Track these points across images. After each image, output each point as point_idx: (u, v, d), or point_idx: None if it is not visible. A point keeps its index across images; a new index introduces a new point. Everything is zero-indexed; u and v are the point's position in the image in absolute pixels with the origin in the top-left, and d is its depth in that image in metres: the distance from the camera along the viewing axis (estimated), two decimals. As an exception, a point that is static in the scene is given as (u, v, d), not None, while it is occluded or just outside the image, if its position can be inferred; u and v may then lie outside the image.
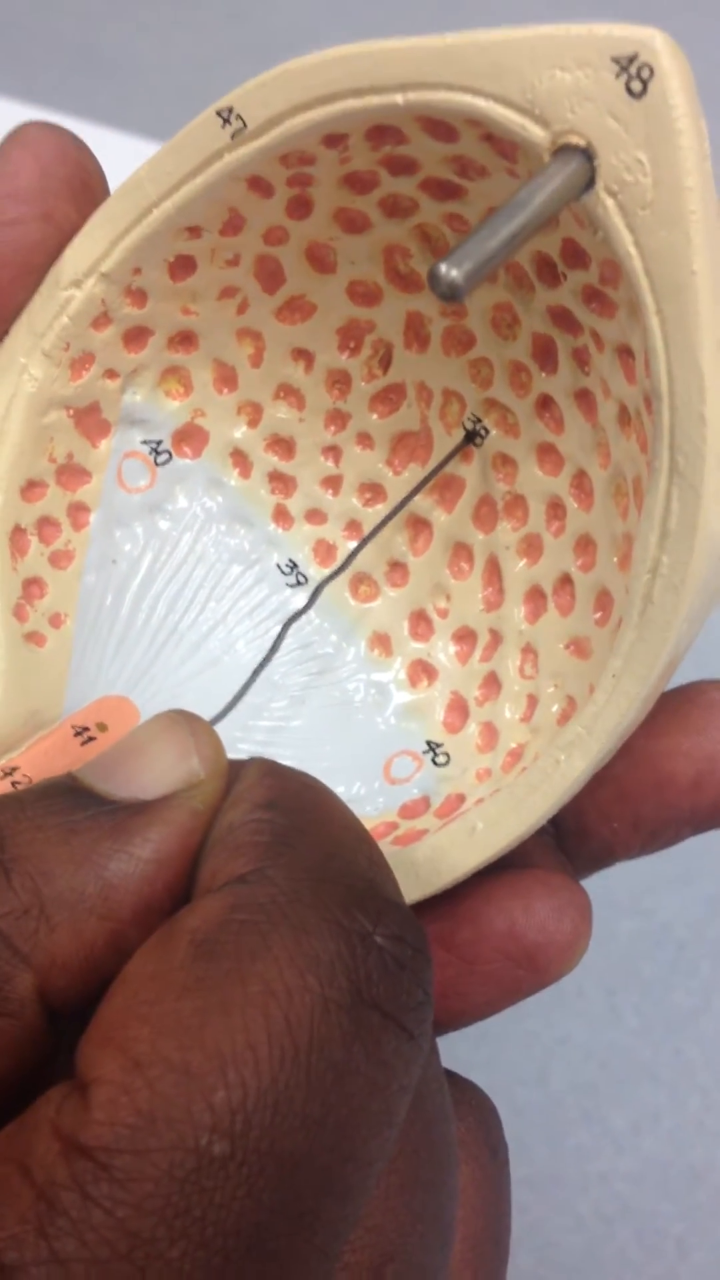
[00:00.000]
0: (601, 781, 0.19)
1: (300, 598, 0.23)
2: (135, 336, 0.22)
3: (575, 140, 0.16)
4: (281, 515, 0.23)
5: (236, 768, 0.17)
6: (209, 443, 0.23)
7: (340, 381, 0.22)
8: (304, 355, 0.22)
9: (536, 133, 0.17)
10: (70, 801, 0.16)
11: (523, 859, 0.20)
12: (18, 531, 0.21)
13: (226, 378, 0.23)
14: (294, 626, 0.23)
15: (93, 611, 0.22)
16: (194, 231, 0.21)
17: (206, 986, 0.14)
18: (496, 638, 0.22)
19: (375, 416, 0.22)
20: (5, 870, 0.15)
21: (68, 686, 0.22)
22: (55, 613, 0.22)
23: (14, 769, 0.20)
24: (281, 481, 0.23)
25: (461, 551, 0.22)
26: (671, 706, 0.20)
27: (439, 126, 0.18)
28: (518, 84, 0.17)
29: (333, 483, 0.23)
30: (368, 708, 0.22)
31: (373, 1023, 0.14)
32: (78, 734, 0.21)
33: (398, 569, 0.23)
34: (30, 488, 0.21)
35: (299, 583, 0.23)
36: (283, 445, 0.23)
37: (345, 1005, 0.14)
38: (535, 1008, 0.39)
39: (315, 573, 0.23)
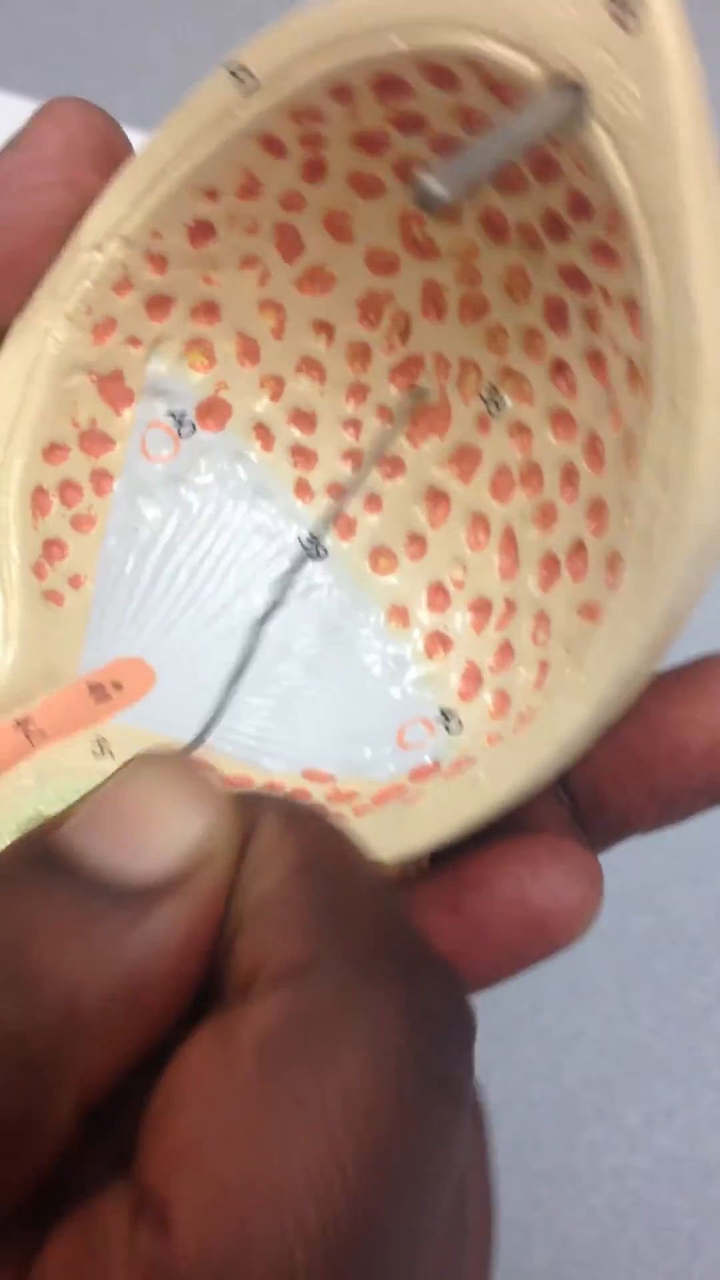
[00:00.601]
0: (616, 750, 0.19)
1: (320, 570, 0.23)
2: (158, 304, 0.22)
3: (569, 73, 0.17)
4: (303, 489, 0.23)
5: (247, 811, 0.15)
6: (232, 416, 0.23)
7: (361, 354, 0.23)
8: (325, 327, 0.22)
9: (530, 68, 0.17)
10: (80, 889, 0.14)
11: (535, 827, 0.20)
12: (39, 492, 0.21)
13: (249, 350, 0.23)
14: (313, 598, 0.23)
15: (113, 576, 0.22)
16: (211, 195, 0.21)
17: (282, 1101, 0.13)
18: (511, 607, 0.22)
19: (394, 389, 0.22)
20: (34, 981, 0.14)
21: (84, 646, 0.22)
22: (75, 574, 0.22)
23: (27, 719, 0.20)
24: (303, 455, 0.23)
25: (479, 522, 0.23)
26: (687, 677, 0.20)
27: (441, 73, 0.18)
28: (510, 19, 0.17)
29: (353, 456, 0.23)
30: (384, 678, 0.23)
31: (435, 1096, 0.14)
32: (93, 690, 0.21)
33: (416, 541, 0.23)
34: (53, 450, 0.22)
35: (319, 555, 0.23)
36: (305, 419, 0.23)
37: (416, 1088, 0.13)
38: (549, 1003, 0.40)
39: (335, 545, 0.23)
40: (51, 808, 0.20)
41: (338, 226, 0.22)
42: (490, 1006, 0.40)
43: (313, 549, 0.23)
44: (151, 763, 0.16)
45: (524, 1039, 0.39)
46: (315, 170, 0.21)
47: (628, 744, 0.20)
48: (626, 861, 0.42)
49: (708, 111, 0.16)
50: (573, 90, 0.17)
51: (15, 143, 0.20)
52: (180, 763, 0.16)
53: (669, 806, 0.20)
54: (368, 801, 0.20)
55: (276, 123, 0.20)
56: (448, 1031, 0.14)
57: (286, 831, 0.15)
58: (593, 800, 0.20)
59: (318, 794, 0.21)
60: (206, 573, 0.23)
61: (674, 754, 0.20)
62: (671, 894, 0.41)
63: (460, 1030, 0.14)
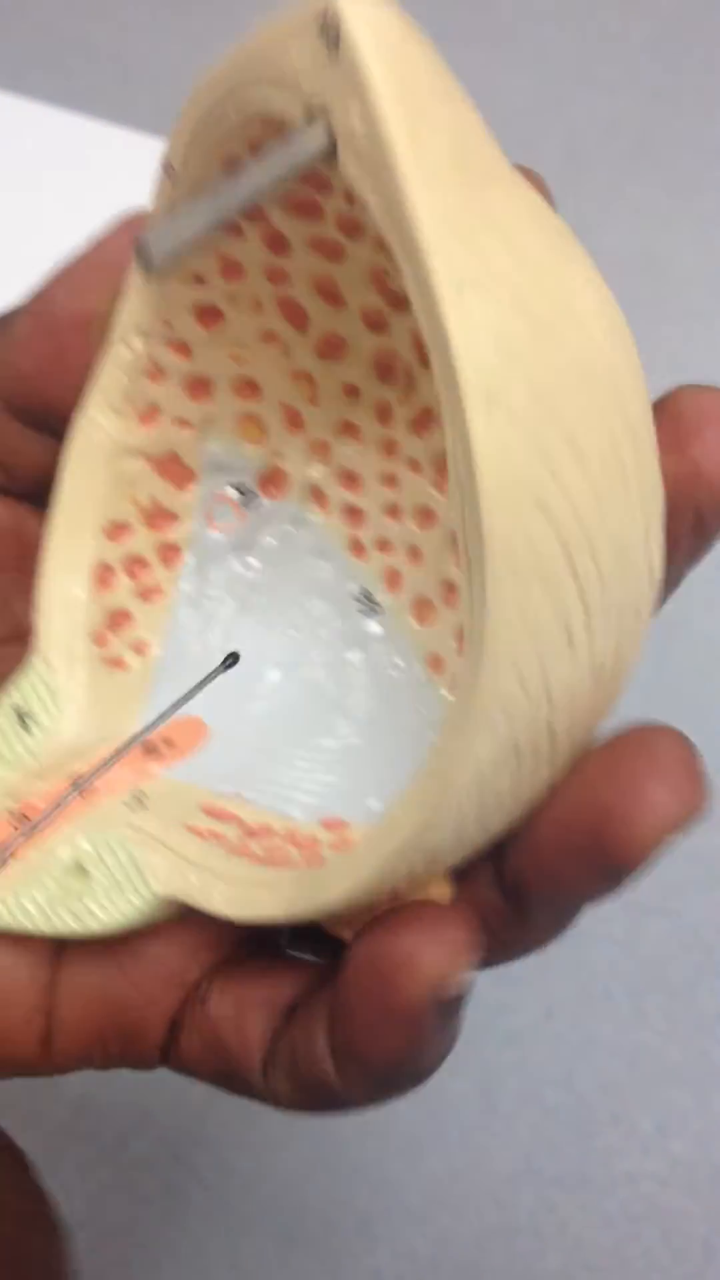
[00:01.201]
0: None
1: (374, 625, 0.24)
2: (197, 386, 0.23)
3: (317, 103, 0.17)
4: (357, 546, 0.24)
5: None
6: (290, 482, 0.24)
7: (384, 409, 0.23)
8: (352, 390, 0.23)
9: (294, 106, 0.17)
10: None
11: (463, 881, 0.19)
12: (103, 567, 0.23)
13: (294, 419, 0.23)
14: (368, 652, 0.23)
15: (180, 640, 0.24)
16: (199, 280, 0.22)
17: None
18: None
19: (417, 440, 0.23)
20: None
21: (147, 707, 0.23)
22: (140, 640, 0.23)
23: (80, 775, 0.22)
24: (354, 514, 0.24)
25: None
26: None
27: (276, 127, 0.19)
28: (273, 64, 0.17)
29: (394, 510, 0.23)
30: (421, 727, 0.23)
31: None
32: (143, 747, 0.22)
33: (450, 589, 0.23)
34: (115, 529, 0.23)
35: (372, 611, 0.24)
36: (351, 479, 0.24)
37: None
38: (562, 1009, 0.40)
39: (386, 600, 0.23)
40: (87, 857, 0.21)
41: (328, 292, 0.22)
42: (504, 1011, 0.40)
43: (366, 605, 0.24)
44: None
45: (537, 1044, 0.40)
46: (277, 242, 0.21)
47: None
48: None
49: (430, 106, 0.16)
50: (318, 121, 0.17)
51: (88, 244, 0.22)
52: None
53: (557, 873, 0.18)
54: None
55: None
56: None
57: None
58: (512, 870, 0.19)
59: (325, 841, 0.21)
60: (268, 634, 0.24)
61: (554, 811, 0.18)
62: (685, 899, 0.42)
63: None
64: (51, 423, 0.23)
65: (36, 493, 0.24)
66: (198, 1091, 0.25)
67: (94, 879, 0.20)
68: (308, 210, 0.21)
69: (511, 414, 0.16)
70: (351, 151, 0.16)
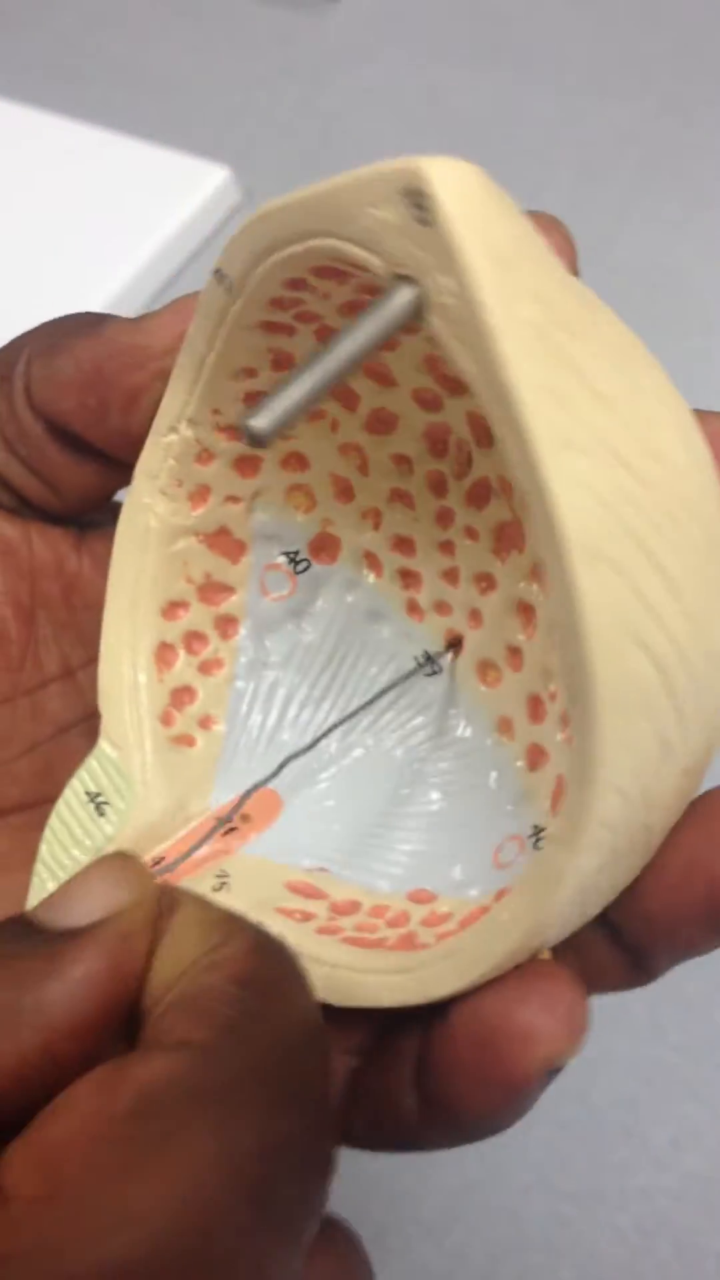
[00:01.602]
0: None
1: (437, 686, 0.24)
2: (246, 464, 0.23)
3: (402, 271, 0.17)
4: (414, 608, 0.24)
5: (166, 896, 0.18)
6: (342, 548, 0.24)
7: (438, 482, 0.23)
8: (404, 460, 0.23)
9: (377, 265, 0.17)
10: (15, 933, 0.18)
11: (577, 947, 0.20)
12: (164, 647, 0.23)
13: (343, 489, 0.24)
14: (431, 714, 0.24)
15: (243, 713, 0.24)
16: (249, 372, 0.22)
17: (136, 1146, 0.15)
18: None
19: (474, 510, 0.23)
20: None
21: (216, 783, 0.23)
22: (205, 715, 0.24)
23: (162, 858, 0.22)
24: (410, 577, 0.24)
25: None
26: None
27: (348, 263, 0.19)
28: (352, 223, 0.17)
29: (451, 575, 0.24)
30: (498, 793, 0.23)
31: (255, 1218, 0.15)
32: (220, 824, 0.23)
33: (515, 654, 0.23)
34: (171, 608, 0.24)
35: (434, 672, 0.24)
36: (405, 544, 0.24)
37: (241, 1203, 0.15)
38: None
39: (447, 663, 0.24)
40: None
41: (380, 375, 0.22)
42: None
43: (428, 666, 0.24)
44: (99, 857, 0.19)
45: (552, 1058, 0.40)
46: (329, 337, 0.21)
47: (636, 881, 0.19)
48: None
49: (517, 268, 0.16)
50: (408, 283, 0.17)
51: (139, 321, 0.22)
52: (115, 854, 0.19)
53: (677, 938, 0.20)
54: (455, 926, 0.21)
55: (265, 311, 0.21)
56: (296, 1171, 0.16)
57: (252, 952, 0.17)
58: (629, 934, 0.20)
59: (415, 916, 0.21)
60: (333, 699, 0.24)
61: (660, 883, 0.19)
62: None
63: (311, 1183, 0.16)
64: (93, 453, 0.23)
65: (84, 512, 0.24)
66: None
67: None
68: (360, 308, 0.21)
69: (613, 565, 0.16)
70: (443, 317, 0.17)
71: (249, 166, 0.59)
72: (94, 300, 0.53)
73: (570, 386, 0.17)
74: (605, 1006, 0.41)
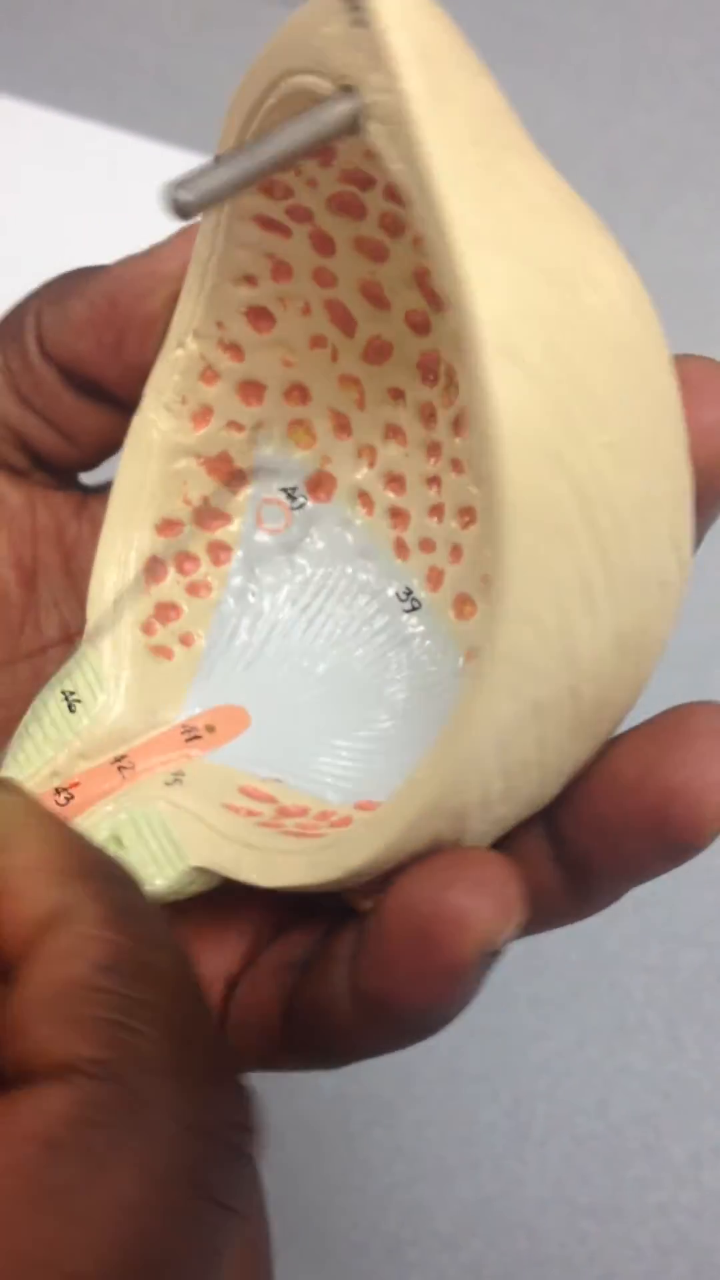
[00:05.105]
0: (578, 791, 0.19)
1: (415, 622, 0.24)
2: (249, 390, 0.24)
3: (346, 81, 0.17)
4: (400, 547, 0.24)
5: (61, 876, 0.16)
6: (338, 486, 0.25)
7: (428, 412, 0.23)
8: (398, 393, 0.24)
9: (326, 87, 0.18)
10: None
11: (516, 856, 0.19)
12: (154, 561, 0.24)
13: (342, 424, 0.24)
14: (408, 648, 0.24)
15: (225, 634, 0.25)
16: (250, 280, 0.22)
17: (58, 1196, 0.14)
18: None
19: (459, 441, 0.23)
20: None
21: (190, 696, 0.24)
22: (186, 633, 0.24)
23: (123, 756, 0.23)
24: (398, 515, 0.24)
25: None
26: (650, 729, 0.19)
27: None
28: (307, 49, 0.18)
29: (437, 511, 0.24)
30: None
31: (203, 1211, 0.14)
32: (185, 731, 0.23)
33: (489, 585, 0.23)
34: (165, 525, 0.24)
35: (413, 608, 0.24)
36: (396, 481, 0.24)
37: (188, 1206, 0.14)
38: (596, 1037, 0.39)
39: (426, 597, 0.24)
40: (124, 829, 0.22)
41: (374, 295, 0.22)
42: (537, 1039, 0.40)
43: (407, 601, 0.24)
44: None
45: (570, 1073, 0.39)
46: (323, 243, 0.22)
47: (585, 784, 0.19)
48: (675, 897, 0.42)
49: (451, 76, 0.17)
50: (348, 94, 0.17)
51: (147, 251, 0.23)
52: None
53: (622, 850, 0.19)
54: None
55: (257, 202, 0.21)
56: (228, 1152, 0.15)
57: (104, 926, 0.16)
58: (572, 845, 0.19)
59: (358, 820, 0.21)
60: (315, 632, 0.25)
61: (611, 787, 0.19)
62: (721, 929, 0.41)
63: (242, 1150, 0.15)
64: (107, 397, 0.24)
65: (98, 460, 0.25)
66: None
67: (129, 850, 0.21)
68: (351, 209, 0.21)
69: (528, 368, 0.16)
70: (376, 118, 0.17)
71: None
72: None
73: (496, 187, 0.17)
74: (624, 1021, 0.41)
